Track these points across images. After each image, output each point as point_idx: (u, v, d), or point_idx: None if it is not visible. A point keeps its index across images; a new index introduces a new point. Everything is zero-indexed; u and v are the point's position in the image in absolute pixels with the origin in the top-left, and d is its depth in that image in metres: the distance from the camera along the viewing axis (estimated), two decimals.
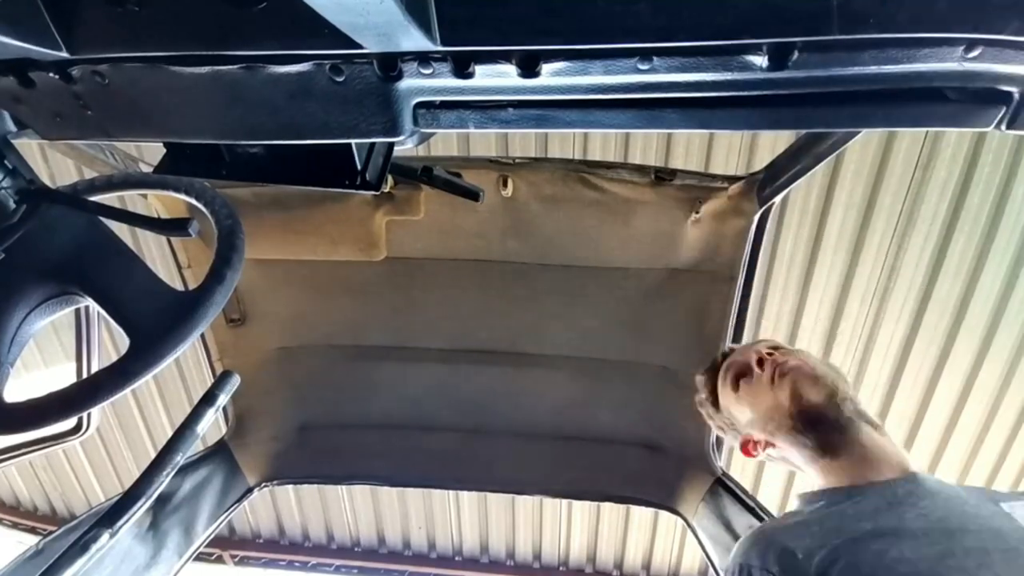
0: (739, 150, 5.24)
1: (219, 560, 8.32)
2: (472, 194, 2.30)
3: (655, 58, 1.01)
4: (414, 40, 0.98)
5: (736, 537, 2.77)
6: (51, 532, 2.46)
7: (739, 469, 6.72)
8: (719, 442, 2.98)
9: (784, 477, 6.81)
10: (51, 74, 1.19)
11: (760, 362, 2.07)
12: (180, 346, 1.33)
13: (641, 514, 7.30)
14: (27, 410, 1.28)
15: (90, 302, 1.41)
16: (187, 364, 6.91)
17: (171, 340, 1.32)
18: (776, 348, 2.13)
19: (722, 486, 2.92)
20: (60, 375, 2.96)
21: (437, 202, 2.72)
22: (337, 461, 3.40)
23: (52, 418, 1.29)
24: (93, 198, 1.64)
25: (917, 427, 6.25)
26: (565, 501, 7.17)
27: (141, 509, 1.35)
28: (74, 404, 1.29)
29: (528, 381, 3.19)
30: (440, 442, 3.36)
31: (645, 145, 5.37)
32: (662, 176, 2.58)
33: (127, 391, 1.31)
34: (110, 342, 6.80)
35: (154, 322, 1.34)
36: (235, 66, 1.12)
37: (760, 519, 2.66)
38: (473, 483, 3.43)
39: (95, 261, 1.42)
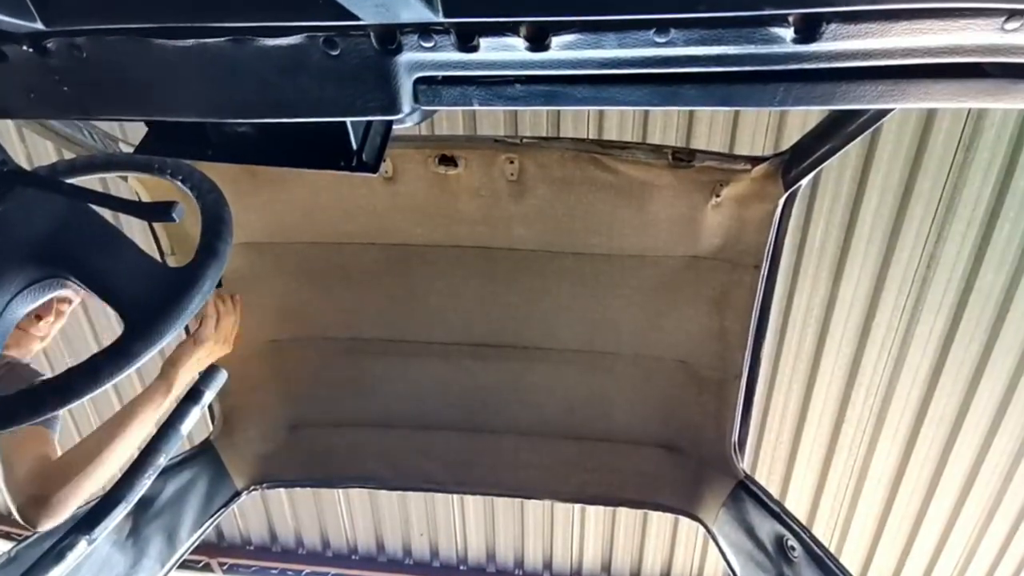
0: (766, 129, 5.22)
1: (206, 568, 8.35)
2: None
3: (673, 30, 1.01)
4: (414, 11, 0.98)
5: (760, 544, 2.77)
6: (26, 538, 2.47)
7: (765, 472, 6.72)
8: (741, 442, 2.98)
9: (813, 481, 6.81)
10: (24, 47, 1.19)
11: None
12: (178, 322, 1.33)
13: (660, 519, 7.30)
14: (18, 401, 1.28)
15: (78, 284, 1.41)
16: None
17: (169, 317, 1.32)
18: None
19: (745, 490, 2.93)
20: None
21: (438, 185, 2.72)
22: (332, 463, 3.41)
23: (48, 408, 1.28)
24: (72, 180, 1.64)
25: (958, 429, 6.22)
26: (577, 506, 7.19)
27: (121, 514, 1.35)
28: (73, 391, 1.27)
29: (536, 377, 3.20)
30: (443, 442, 3.36)
31: (665, 123, 5.36)
32: (680, 157, 2.57)
33: (126, 374, 1.31)
34: (91, 334, 6.83)
35: (149, 300, 1.34)
36: (222, 39, 1.12)
37: (787, 526, 2.66)
38: (478, 486, 3.43)
39: (79, 241, 1.42)
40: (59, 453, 2.33)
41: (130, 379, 7.00)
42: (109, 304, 1.38)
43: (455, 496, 7.38)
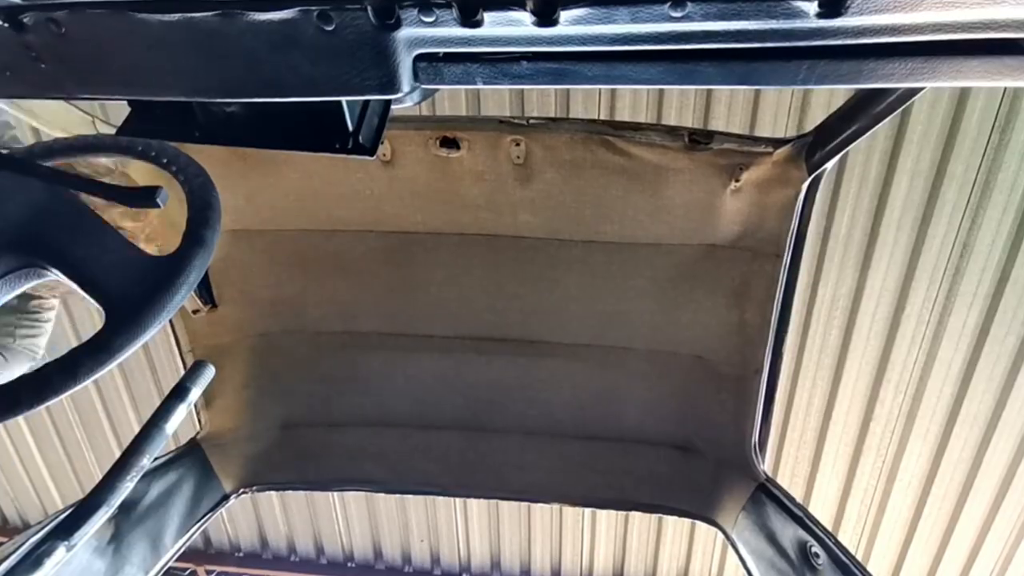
0: (788, 110, 5.22)
1: None
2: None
3: (689, 3, 1.01)
4: None
5: (782, 551, 2.77)
6: (1, 544, 2.47)
7: (787, 475, 6.72)
8: (762, 442, 2.98)
9: (839, 484, 6.81)
10: (0, 22, 1.19)
11: None
12: (162, 315, 1.33)
13: (675, 524, 7.32)
14: None
15: (56, 274, 1.41)
16: (157, 352, 6.93)
17: (153, 310, 1.31)
18: None
19: (766, 493, 2.92)
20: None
21: (440, 169, 2.73)
22: (326, 464, 3.41)
23: (24, 406, 1.27)
24: (50, 163, 1.65)
25: (993, 428, 6.22)
26: (588, 510, 7.19)
27: (102, 518, 1.36)
28: (50, 388, 1.26)
29: (544, 373, 3.20)
30: (444, 443, 3.36)
31: (681, 104, 5.35)
32: (697, 139, 2.57)
33: (107, 370, 1.31)
34: (71, 328, 6.84)
35: (131, 291, 1.34)
36: (210, 12, 1.12)
37: (811, 531, 2.66)
38: (482, 489, 3.44)
39: (57, 228, 1.42)
40: None
41: (112, 375, 7.01)
42: (89, 295, 1.38)
43: (457, 500, 7.39)
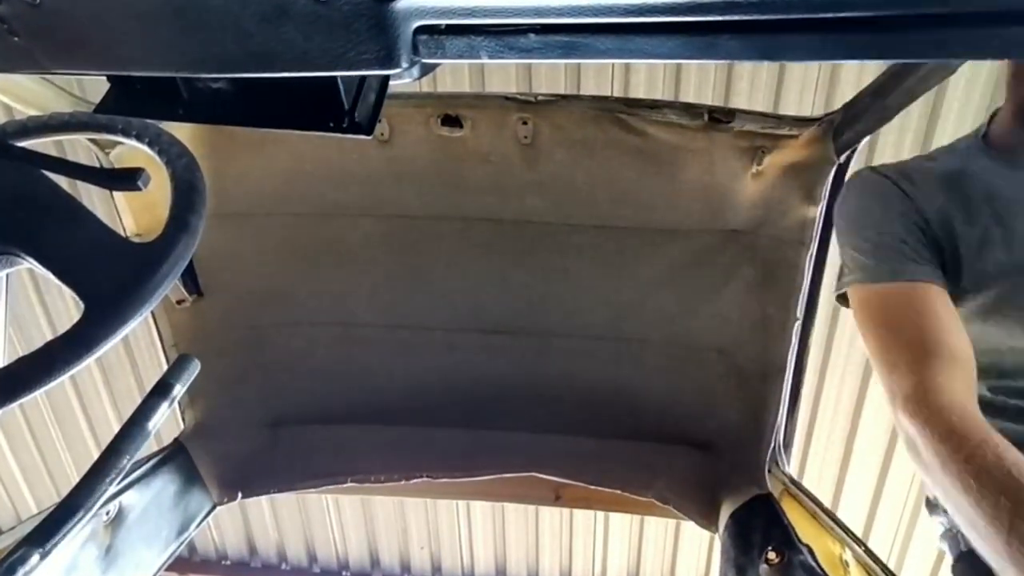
0: (816, 86, 5.20)
1: None
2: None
3: None
4: None
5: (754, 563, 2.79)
6: None
7: (815, 476, 6.70)
8: (787, 443, 2.98)
9: (871, 490, 6.79)
10: None
11: None
12: (144, 306, 1.32)
13: (694, 528, 7.29)
14: None
15: (29, 262, 1.41)
16: (138, 346, 6.91)
17: (133, 300, 1.30)
18: None
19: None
20: None
21: (441, 149, 2.72)
22: (319, 465, 3.41)
23: None
24: (24, 143, 1.64)
25: None
26: (600, 513, 7.18)
27: (79, 524, 1.35)
28: (24, 384, 1.25)
29: (553, 368, 3.20)
30: (446, 442, 3.36)
31: (700, 80, 5.33)
32: (717, 118, 2.56)
33: (84, 365, 1.30)
34: (45, 319, 6.83)
35: (111, 279, 1.33)
36: None
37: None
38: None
39: (31, 213, 1.41)
40: None
41: (90, 371, 7.00)
42: (65, 284, 1.38)
43: (460, 502, 7.38)
